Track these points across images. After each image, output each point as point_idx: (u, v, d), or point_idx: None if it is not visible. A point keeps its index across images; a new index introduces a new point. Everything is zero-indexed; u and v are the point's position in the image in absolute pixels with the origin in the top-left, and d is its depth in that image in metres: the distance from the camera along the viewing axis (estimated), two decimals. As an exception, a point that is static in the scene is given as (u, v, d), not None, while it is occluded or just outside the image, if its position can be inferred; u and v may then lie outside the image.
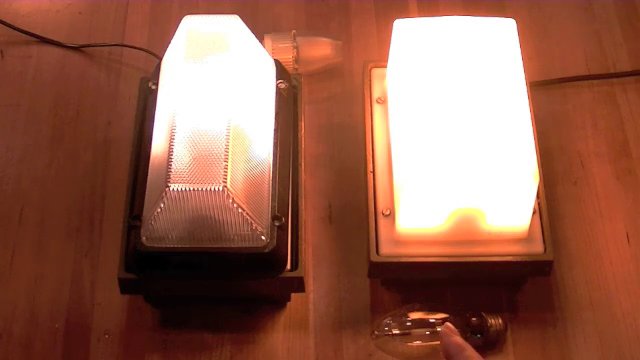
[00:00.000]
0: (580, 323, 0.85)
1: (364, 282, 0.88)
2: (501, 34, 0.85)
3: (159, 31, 1.06)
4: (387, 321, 0.81)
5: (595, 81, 1.02)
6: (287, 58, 0.98)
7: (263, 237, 0.77)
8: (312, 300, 0.87)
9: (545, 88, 1.00)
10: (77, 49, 1.05)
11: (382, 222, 0.84)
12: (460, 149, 0.78)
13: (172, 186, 0.74)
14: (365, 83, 0.92)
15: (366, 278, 0.86)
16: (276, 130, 0.84)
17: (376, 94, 0.92)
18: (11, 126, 1.00)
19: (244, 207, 0.75)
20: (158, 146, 0.80)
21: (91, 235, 0.91)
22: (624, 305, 0.87)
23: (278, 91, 0.87)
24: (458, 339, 0.75)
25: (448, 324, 0.77)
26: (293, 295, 0.86)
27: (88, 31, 1.07)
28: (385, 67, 0.92)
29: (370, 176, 0.86)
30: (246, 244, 0.77)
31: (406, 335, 0.80)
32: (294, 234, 0.81)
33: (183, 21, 0.86)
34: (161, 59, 0.88)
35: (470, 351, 0.73)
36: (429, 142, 0.79)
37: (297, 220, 0.82)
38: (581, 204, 0.93)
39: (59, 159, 0.97)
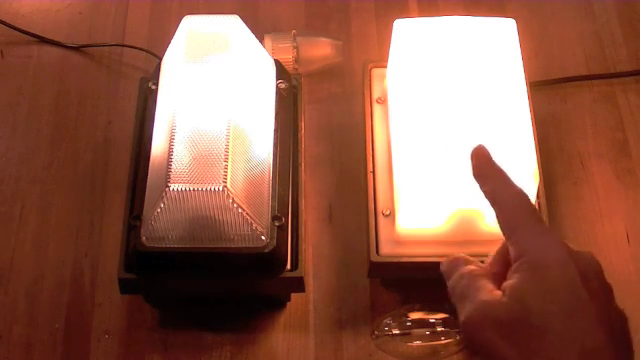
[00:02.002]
0: (580, 323, 0.85)
1: (364, 282, 0.88)
2: (501, 34, 0.85)
3: (159, 31, 1.06)
4: (387, 321, 0.81)
5: (595, 81, 1.02)
6: (287, 58, 0.98)
7: (263, 237, 0.77)
8: (312, 300, 0.87)
9: (545, 88, 1.00)
10: (77, 49, 1.05)
11: (382, 222, 0.84)
12: (460, 149, 0.78)
13: (172, 186, 0.74)
14: (365, 83, 0.92)
15: (366, 278, 0.86)
16: (276, 130, 0.84)
17: (376, 94, 0.92)
18: (11, 126, 1.00)
19: (244, 207, 0.75)
20: (158, 146, 0.80)
21: (91, 235, 0.91)
22: (624, 305, 0.86)
23: (278, 91, 0.87)
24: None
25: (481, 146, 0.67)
26: (293, 295, 0.86)
27: (88, 31, 1.07)
28: (385, 67, 0.92)
29: (370, 176, 0.86)
30: (246, 244, 0.77)
31: (406, 335, 0.80)
32: (294, 234, 0.81)
33: (183, 21, 0.86)
34: (161, 59, 0.88)
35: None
36: (429, 142, 0.79)
37: (297, 220, 0.82)
38: (581, 204, 0.93)
39: (59, 159, 0.97)
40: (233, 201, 0.74)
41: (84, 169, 0.96)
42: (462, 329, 0.58)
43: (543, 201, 0.84)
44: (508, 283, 0.57)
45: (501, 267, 0.61)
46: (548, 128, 0.97)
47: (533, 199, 0.80)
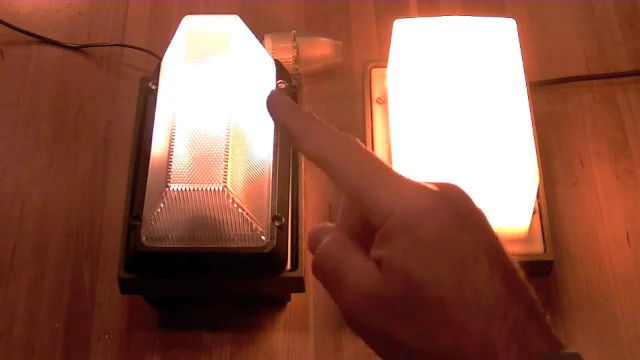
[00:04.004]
0: (580, 323, 0.85)
1: (364, 282, 0.87)
2: (501, 34, 0.85)
3: (159, 31, 1.06)
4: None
5: (595, 81, 1.02)
6: (287, 58, 0.98)
7: (263, 237, 0.77)
8: (312, 300, 0.87)
9: (545, 88, 1.00)
10: (77, 49, 1.05)
11: (382, 222, 0.84)
12: (460, 149, 0.78)
13: (172, 186, 0.74)
14: (365, 83, 0.92)
15: (366, 278, 0.86)
16: (276, 130, 0.84)
17: (376, 94, 0.92)
18: (11, 126, 1.00)
19: (244, 207, 0.75)
20: (158, 146, 0.80)
21: (91, 235, 0.91)
22: (624, 305, 0.87)
23: (278, 91, 0.87)
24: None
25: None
26: (293, 295, 0.86)
27: (88, 31, 1.07)
28: (385, 67, 0.92)
29: (370, 176, 0.86)
30: (246, 244, 0.77)
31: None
32: (294, 234, 0.81)
33: (183, 21, 0.86)
34: (161, 59, 0.88)
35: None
36: (429, 142, 0.79)
37: (297, 220, 0.82)
38: (581, 204, 0.93)
39: (59, 159, 0.97)
40: (233, 201, 0.74)
41: (84, 169, 0.96)
42: (343, 318, 0.50)
43: (543, 201, 0.84)
44: (382, 253, 0.48)
45: (359, 225, 0.51)
46: (548, 128, 0.97)
47: (533, 199, 0.80)
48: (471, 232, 0.48)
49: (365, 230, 0.50)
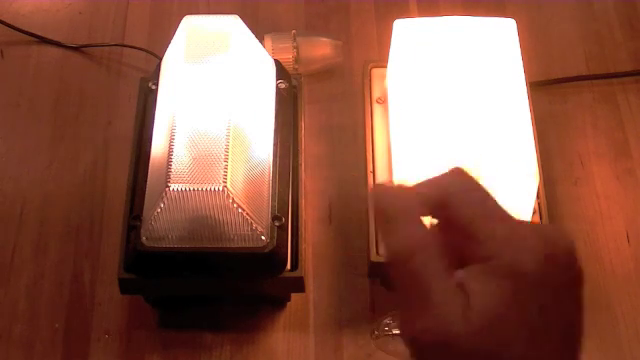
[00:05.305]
0: (580, 323, 0.85)
1: (364, 282, 0.88)
2: (501, 34, 0.85)
3: (159, 31, 1.06)
4: (387, 321, 0.81)
5: (595, 81, 1.02)
6: (287, 58, 0.98)
7: (263, 237, 0.77)
8: (312, 300, 0.87)
9: (545, 88, 1.00)
10: (77, 49, 1.05)
11: (382, 222, 0.84)
12: (460, 150, 0.78)
13: (172, 186, 0.74)
14: (365, 83, 0.92)
15: (366, 278, 0.86)
16: (276, 130, 0.84)
17: (376, 94, 0.92)
18: (11, 126, 1.00)
19: (244, 207, 0.75)
20: (158, 146, 0.80)
21: (91, 235, 0.91)
22: (624, 305, 0.87)
23: (278, 91, 0.87)
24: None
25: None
26: (293, 295, 0.86)
27: (88, 31, 1.07)
28: (385, 67, 0.92)
29: (370, 176, 0.86)
30: (246, 244, 0.77)
31: (406, 335, 0.80)
32: (294, 234, 0.81)
33: (183, 21, 0.85)
34: (161, 59, 0.88)
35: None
36: (429, 142, 0.79)
37: (297, 220, 0.82)
38: (581, 204, 0.93)
39: (59, 159, 0.97)
40: (233, 201, 0.74)
41: (84, 169, 0.96)
42: (407, 343, 0.48)
43: (543, 201, 0.84)
44: (476, 287, 0.45)
45: (450, 234, 0.47)
46: (548, 128, 0.97)
47: (533, 199, 0.80)
48: (562, 303, 0.46)
49: (455, 249, 0.47)
